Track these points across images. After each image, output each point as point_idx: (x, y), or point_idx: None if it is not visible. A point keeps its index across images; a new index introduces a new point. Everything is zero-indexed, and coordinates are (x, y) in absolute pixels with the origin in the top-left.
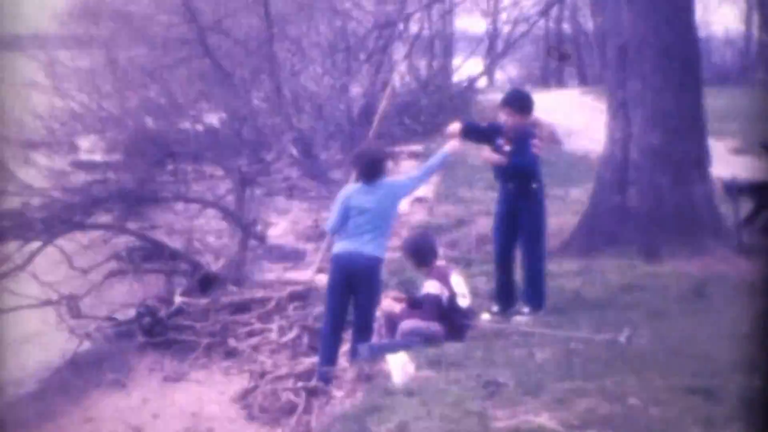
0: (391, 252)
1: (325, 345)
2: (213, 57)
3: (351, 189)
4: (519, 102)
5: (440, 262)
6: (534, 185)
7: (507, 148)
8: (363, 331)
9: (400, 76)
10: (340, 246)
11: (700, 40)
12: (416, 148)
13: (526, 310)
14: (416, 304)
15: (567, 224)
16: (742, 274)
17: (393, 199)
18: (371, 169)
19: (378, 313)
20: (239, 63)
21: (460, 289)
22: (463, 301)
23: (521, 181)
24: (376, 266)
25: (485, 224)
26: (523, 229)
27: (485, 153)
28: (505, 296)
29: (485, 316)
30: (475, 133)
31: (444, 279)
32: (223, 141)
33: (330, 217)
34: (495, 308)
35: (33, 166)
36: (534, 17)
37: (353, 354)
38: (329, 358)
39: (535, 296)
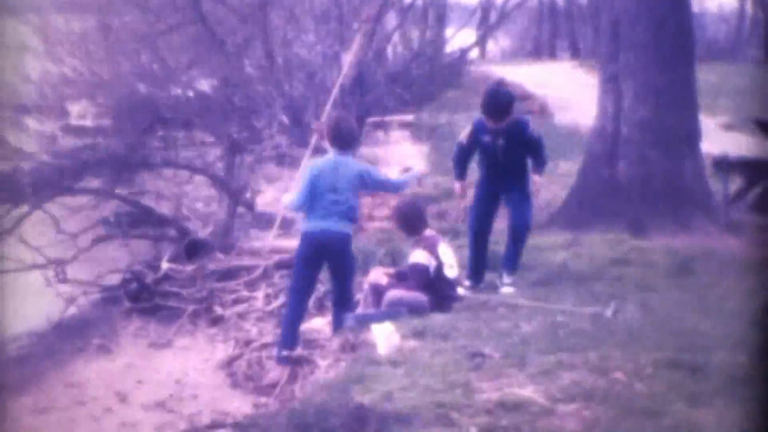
0: (379, 222)
1: (287, 321)
2: (206, 23)
3: (320, 165)
4: (494, 109)
5: (429, 232)
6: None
7: (500, 142)
8: (344, 303)
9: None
10: (312, 223)
11: (694, 15)
12: (407, 117)
13: (508, 280)
14: (403, 276)
15: (555, 197)
16: (729, 251)
17: (365, 181)
18: (345, 137)
19: (365, 284)
20: (232, 30)
21: (448, 259)
22: (451, 272)
23: (513, 174)
24: (348, 242)
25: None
26: (512, 202)
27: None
28: (479, 271)
29: (461, 291)
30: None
31: (432, 249)
32: (214, 108)
33: (294, 191)
34: (467, 283)
35: (23, 130)
36: None
37: (337, 324)
38: (291, 337)
39: (515, 263)
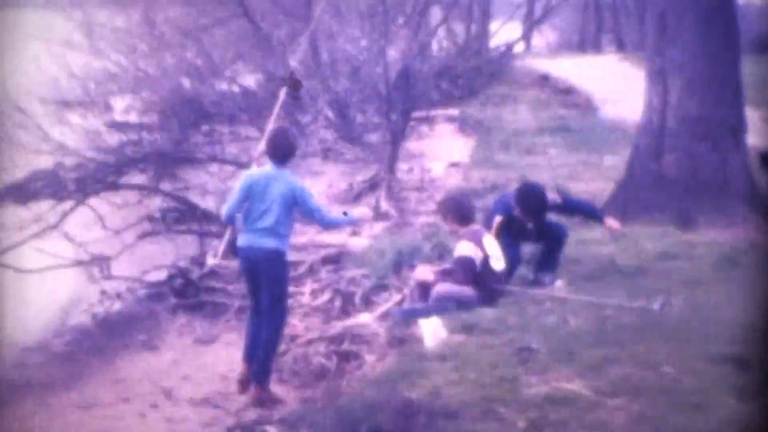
0: (425, 216)
1: (246, 332)
2: (251, 18)
3: (254, 176)
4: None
5: (474, 225)
6: None
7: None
8: (272, 314)
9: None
10: (242, 238)
11: (739, 7)
12: (453, 112)
13: (547, 279)
14: (450, 272)
15: (602, 191)
16: None
17: (297, 201)
18: (282, 151)
19: (411, 280)
20: (277, 24)
21: (494, 251)
22: (497, 264)
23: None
24: (276, 257)
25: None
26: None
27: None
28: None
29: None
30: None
31: (477, 241)
32: (259, 102)
33: (227, 201)
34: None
35: (67, 125)
36: None
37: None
38: (249, 348)
39: (557, 264)
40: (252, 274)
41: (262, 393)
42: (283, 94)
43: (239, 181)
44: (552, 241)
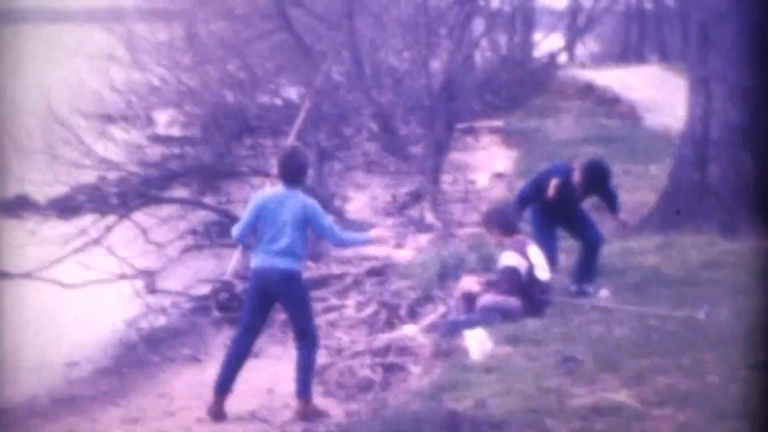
0: (470, 227)
1: (227, 362)
2: (293, 31)
3: (266, 196)
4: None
5: (519, 236)
6: None
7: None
8: (305, 337)
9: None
10: (256, 260)
11: None
12: (497, 123)
13: (591, 289)
14: (495, 284)
15: (646, 201)
16: None
17: (309, 220)
18: (293, 171)
19: (456, 291)
20: (319, 37)
21: (539, 261)
22: (542, 274)
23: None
24: (293, 278)
25: None
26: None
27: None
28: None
29: None
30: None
31: (522, 251)
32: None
33: (239, 221)
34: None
35: (110, 139)
36: None
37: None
38: (226, 381)
39: (592, 273)
40: (262, 294)
41: (306, 407)
42: (303, 111)
43: (250, 202)
44: (588, 248)
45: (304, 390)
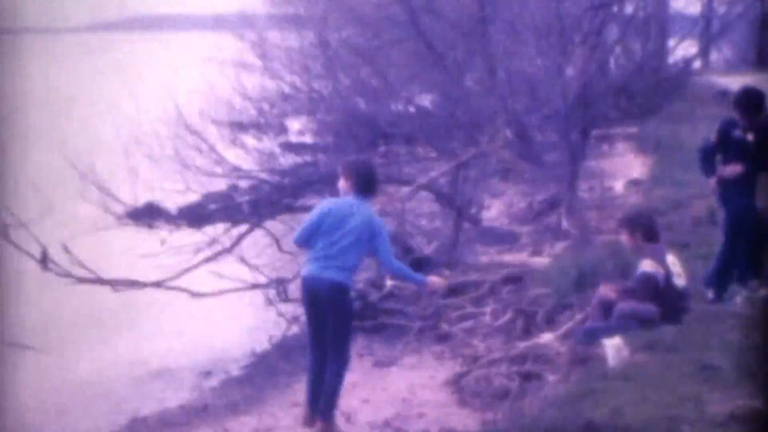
0: (606, 234)
1: (308, 381)
2: (425, 38)
3: (332, 204)
4: (746, 105)
5: (658, 243)
6: None
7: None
8: (340, 357)
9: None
10: (305, 268)
11: None
12: (631, 130)
13: (745, 292)
14: (632, 291)
15: None
16: None
17: (374, 235)
18: (368, 182)
19: (593, 299)
20: (452, 44)
21: (676, 268)
22: (680, 281)
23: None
24: (339, 291)
25: (701, 207)
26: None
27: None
28: (726, 282)
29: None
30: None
31: (660, 258)
32: (436, 123)
33: (302, 226)
34: (710, 295)
35: (242, 147)
36: None
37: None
38: (312, 391)
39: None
40: (314, 307)
41: (328, 428)
42: None
43: (316, 208)
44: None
45: (327, 411)
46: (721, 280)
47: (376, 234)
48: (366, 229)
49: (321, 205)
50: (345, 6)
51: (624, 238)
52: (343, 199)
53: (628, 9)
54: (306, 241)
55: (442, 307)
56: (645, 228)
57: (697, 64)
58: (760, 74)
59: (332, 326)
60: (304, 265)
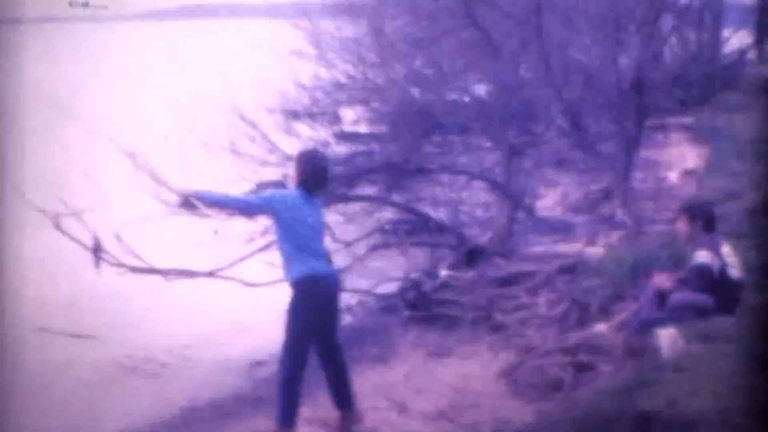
0: (661, 225)
1: (286, 394)
2: (480, 28)
3: (290, 196)
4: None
5: (714, 234)
6: None
7: None
8: (340, 347)
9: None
10: (310, 266)
11: None
12: (686, 120)
13: None
14: (687, 281)
15: None
16: None
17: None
18: (318, 178)
19: (648, 289)
20: (507, 34)
21: (732, 259)
22: (735, 272)
23: None
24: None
25: (755, 198)
26: None
27: None
28: None
29: None
30: None
31: (715, 249)
32: (491, 112)
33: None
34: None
35: (295, 136)
36: None
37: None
38: (290, 413)
39: None
40: (324, 304)
41: (352, 414)
42: None
43: (270, 194)
44: None
45: (350, 399)
46: None
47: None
48: (323, 225)
49: (278, 193)
50: None
51: (680, 226)
52: (294, 193)
53: None
54: (250, 208)
55: (496, 298)
56: (705, 218)
57: (751, 54)
58: None
59: (336, 321)
60: (304, 265)
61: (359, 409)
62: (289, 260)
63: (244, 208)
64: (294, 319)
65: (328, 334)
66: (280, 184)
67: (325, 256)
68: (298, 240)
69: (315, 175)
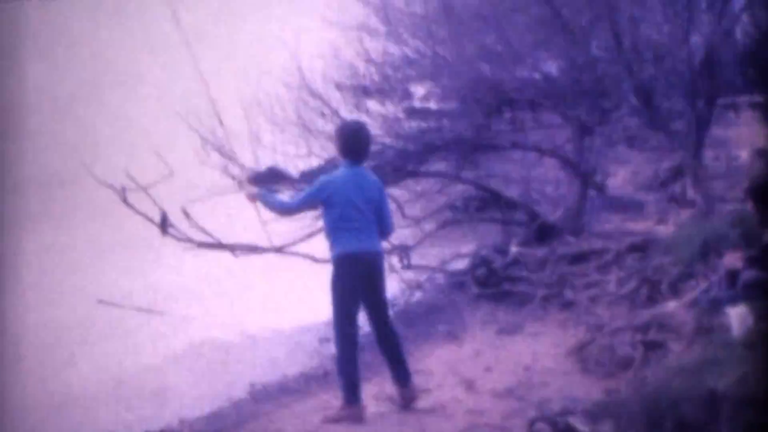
0: (731, 203)
1: (347, 374)
2: (551, 4)
3: (339, 177)
4: None
5: None
6: None
7: None
8: (392, 323)
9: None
10: (352, 243)
11: None
12: (758, 99)
13: None
14: (758, 260)
15: None
16: None
17: (382, 201)
18: (362, 146)
19: (720, 268)
20: (578, 11)
21: None
22: None
23: None
24: (383, 262)
25: None
26: None
27: None
28: None
29: None
30: None
31: None
32: (562, 89)
33: (300, 195)
34: None
35: (365, 112)
36: None
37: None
38: (354, 392)
39: None
40: (366, 281)
41: (411, 390)
42: None
43: (316, 184)
44: None
45: (407, 373)
46: None
47: (384, 199)
48: (378, 195)
49: (321, 184)
50: None
51: (751, 205)
52: (339, 172)
53: None
54: (294, 209)
55: (566, 275)
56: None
57: None
58: None
59: (384, 293)
60: (346, 242)
61: (419, 385)
62: (331, 238)
63: (296, 211)
64: (335, 296)
65: (376, 310)
66: (323, 169)
67: (371, 232)
68: (341, 219)
69: (355, 143)
